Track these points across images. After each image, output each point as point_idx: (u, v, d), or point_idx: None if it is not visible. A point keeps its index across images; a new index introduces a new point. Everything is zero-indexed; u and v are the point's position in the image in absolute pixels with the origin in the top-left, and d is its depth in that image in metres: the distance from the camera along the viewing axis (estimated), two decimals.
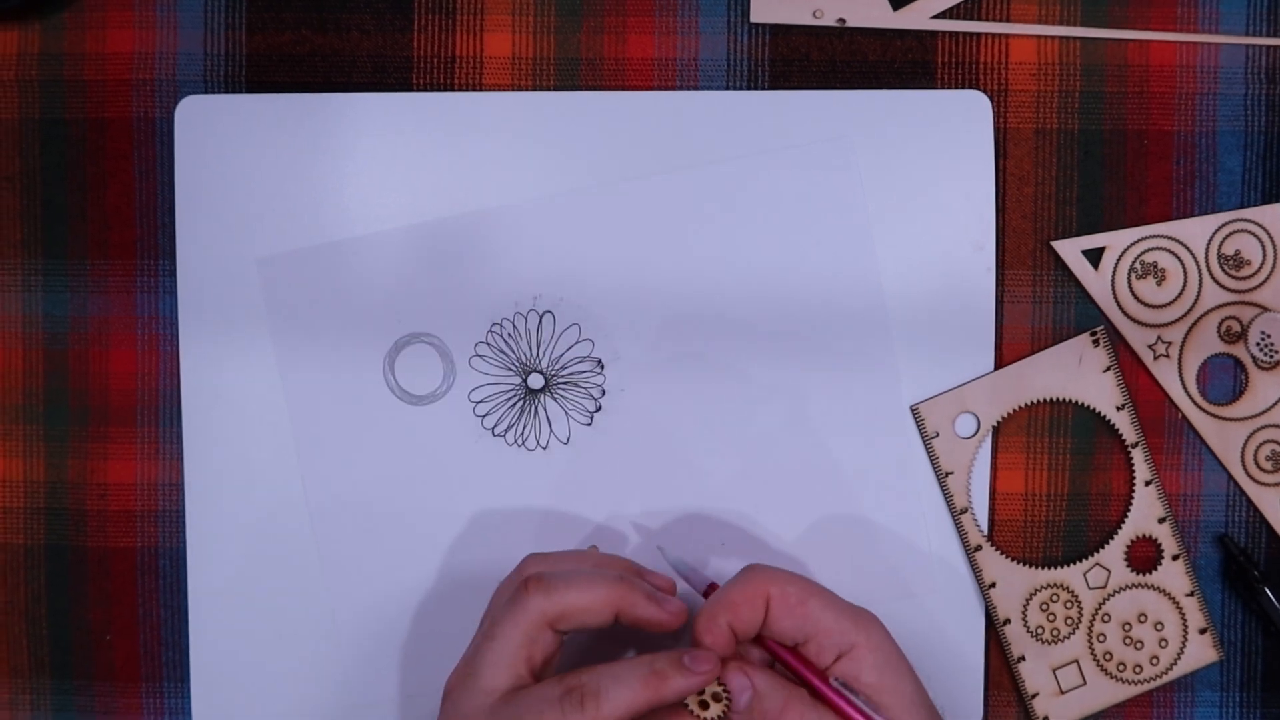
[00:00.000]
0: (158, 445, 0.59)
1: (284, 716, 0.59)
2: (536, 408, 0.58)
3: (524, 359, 0.58)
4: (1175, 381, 0.58)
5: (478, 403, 0.58)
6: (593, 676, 0.48)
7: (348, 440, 0.58)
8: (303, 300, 0.58)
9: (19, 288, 0.59)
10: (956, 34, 0.58)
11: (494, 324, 0.58)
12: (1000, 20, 0.58)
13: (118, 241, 0.59)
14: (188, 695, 0.59)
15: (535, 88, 0.58)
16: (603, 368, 0.58)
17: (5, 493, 0.59)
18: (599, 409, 0.58)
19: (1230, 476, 0.58)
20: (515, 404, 0.58)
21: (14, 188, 0.59)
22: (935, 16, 0.58)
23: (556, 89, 0.58)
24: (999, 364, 0.58)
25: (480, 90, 0.58)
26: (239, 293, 0.58)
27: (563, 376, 0.58)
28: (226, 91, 0.58)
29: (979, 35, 0.58)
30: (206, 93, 0.58)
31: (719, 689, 0.49)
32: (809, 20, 0.58)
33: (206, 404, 0.58)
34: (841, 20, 0.58)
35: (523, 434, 0.58)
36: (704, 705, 0.49)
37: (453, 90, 0.58)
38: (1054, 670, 0.58)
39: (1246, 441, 0.58)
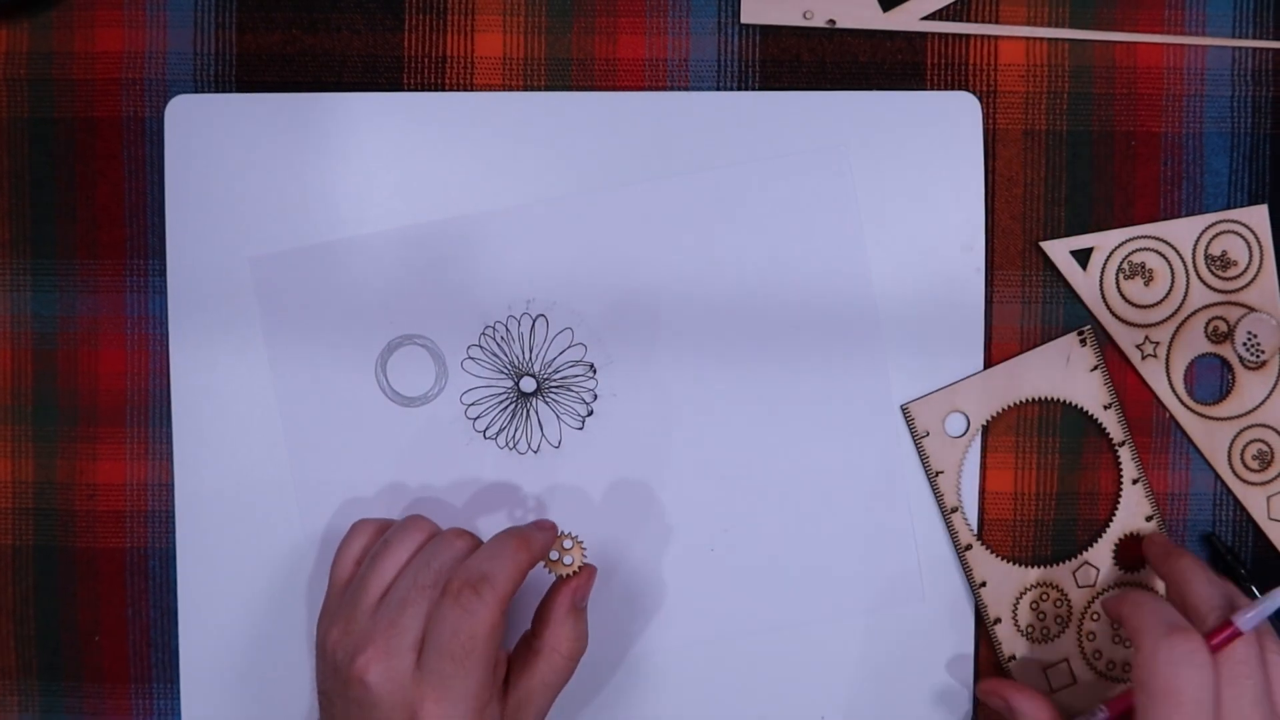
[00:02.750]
0: (147, 445, 0.59)
1: (273, 718, 0.58)
2: (528, 411, 0.58)
3: (516, 362, 0.58)
4: (1163, 381, 0.58)
5: (469, 405, 0.58)
6: (474, 565, 0.50)
7: (338, 441, 0.58)
8: (294, 300, 0.58)
9: (7, 287, 0.59)
10: (946, 35, 0.58)
11: (487, 327, 0.58)
12: (989, 22, 0.58)
13: (107, 241, 0.59)
14: (177, 696, 0.59)
15: (526, 88, 0.58)
16: (595, 372, 0.58)
17: None
18: (591, 413, 0.58)
19: (1217, 475, 0.58)
20: (507, 407, 0.58)
21: (3, 187, 0.59)
22: (925, 18, 0.58)
23: (547, 89, 0.58)
24: (988, 364, 0.58)
25: (471, 90, 0.58)
26: (229, 293, 0.58)
27: (555, 380, 0.58)
28: (216, 91, 0.58)
29: (968, 37, 0.58)
30: (196, 92, 0.58)
31: (568, 541, 0.53)
32: (799, 21, 0.58)
33: (196, 404, 0.58)
34: (832, 21, 0.58)
35: (514, 437, 0.58)
36: (561, 561, 0.53)
37: (443, 90, 0.58)
38: (1044, 669, 0.58)
39: (1233, 441, 0.58)
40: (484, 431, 0.58)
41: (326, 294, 0.58)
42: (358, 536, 0.55)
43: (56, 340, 0.59)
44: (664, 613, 0.58)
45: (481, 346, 0.58)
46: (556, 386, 0.58)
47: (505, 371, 0.58)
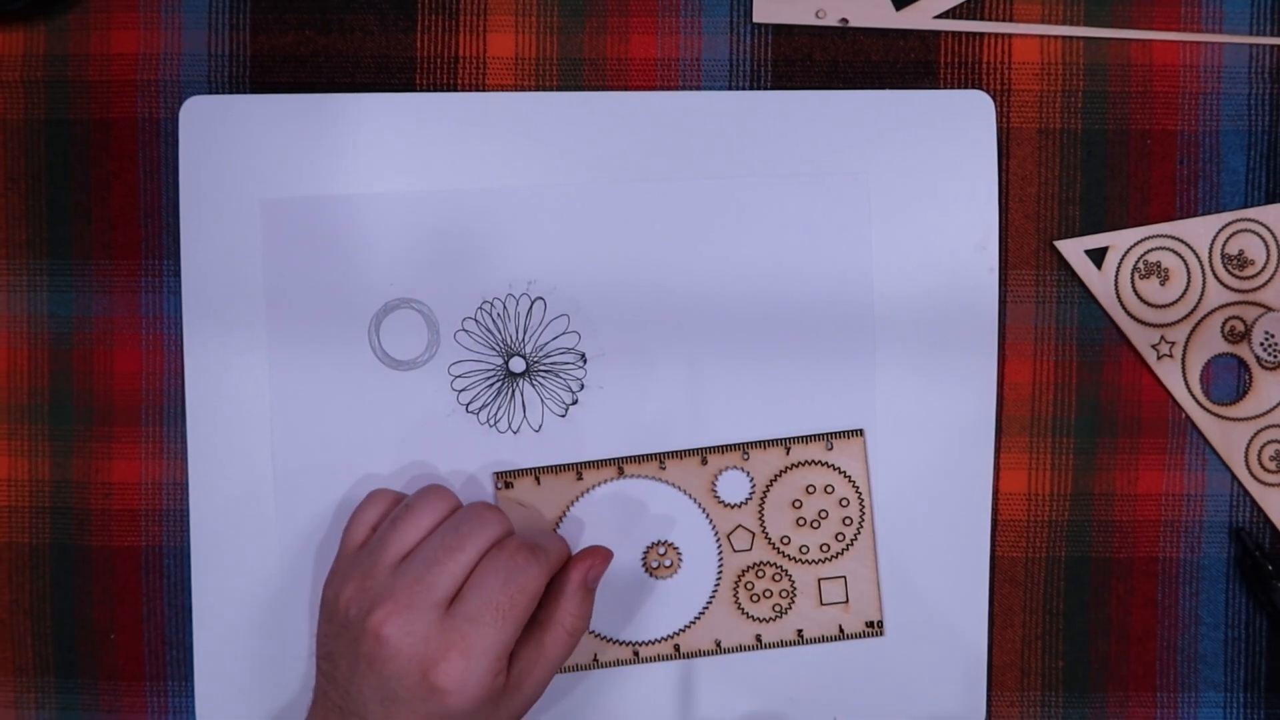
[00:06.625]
0: (162, 444, 0.59)
1: (288, 715, 0.59)
2: (514, 391, 0.58)
3: (509, 341, 0.58)
4: (1179, 381, 0.58)
5: (456, 376, 0.58)
6: (528, 537, 0.53)
7: (323, 394, 0.58)
8: (297, 254, 0.58)
9: (24, 288, 0.59)
10: (959, 34, 0.58)
11: (485, 301, 0.58)
12: (1003, 20, 0.58)
13: (122, 241, 0.59)
14: (191, 694, 0.59)
15: (538, 88, 0.58)
16: (585, 362, 0.58)
17: (10, 492, 0.60)
18: (575, 402, 0.58)
19: (1234, 476, 0.58)
20: (493, 384, 0.58)
21: (19, 188, 0.59)
22: (938, 16, 0.58)
23: (560, 89, 0.58)
24: (1001, 365, 0.58)
25: (484, 90, 0.58)
26: (243, 293, 0.58)
27: (544, 365, 0.58)
28: (231, 92, 0.59)
29: (982, 35, 0.58)
30: (211, 93, 0.58)
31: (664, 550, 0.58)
32: (812, 20, 0.58)
33: (210, 403, 0.58)
34: (844, 20, 0.58)
35: (495, 415, 0.58)
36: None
37: (456, 90, 0.58)
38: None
39: (1250, 441, 0.58)
40: (467, 405, 0.58)
41: (328, 250, 0.58)
42: (374, 504, 0.56)
43: (72, 340, 0.59)
44: (650, 615, 0.59)
45: (477, 320, 0.58)
46: (545, 371, 0.58)
47: (496, 349, 0.58)
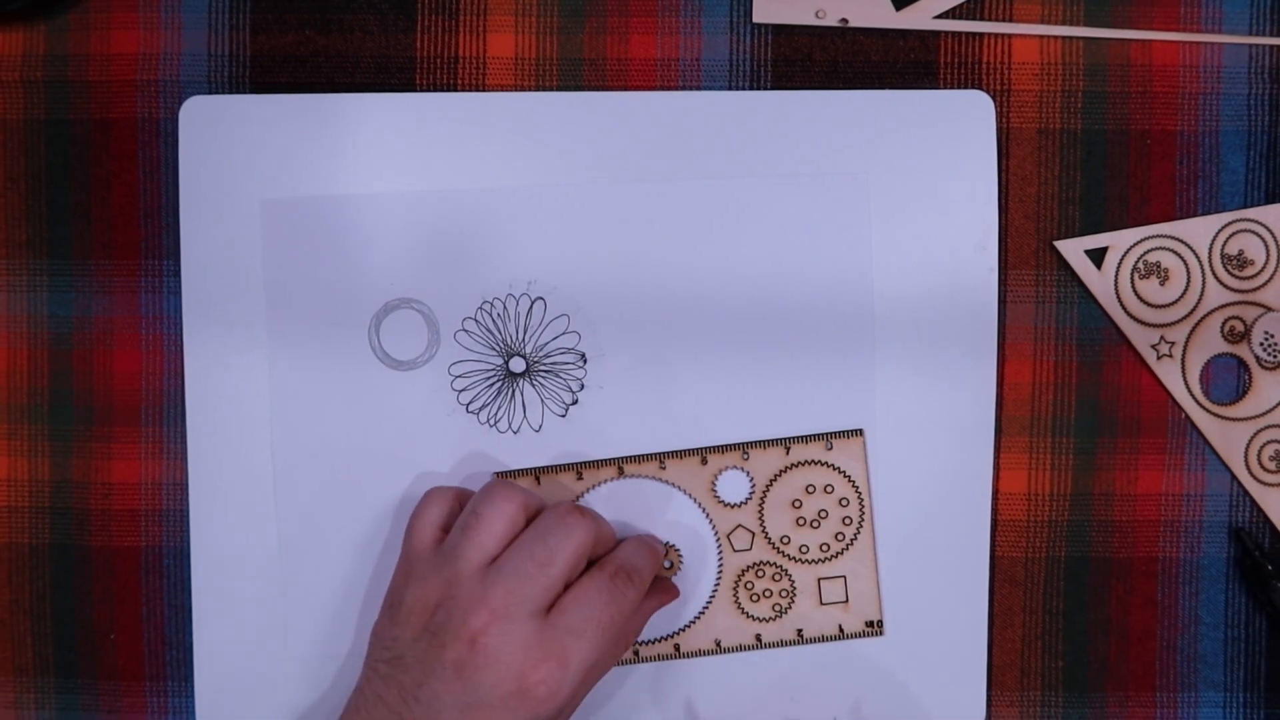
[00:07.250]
0: (161, 445, 0.59)
1: (288, 716, 0.59)
2: (514, 391, 0.58)
3: (509, 341, 0.58)
4: (1179, 381, 0.58)
5: (457, 376, 0.58)
6: (624, 556, 0.54)
7: (323, 394, 0.58)
8: (297, 253, 0.58)
9: (24, 288, 0.59)
10: (959, 34, 0.58)
11: (485, 301, 0.58)
12: (1003, 20, 0.58)
13: (122, 242, 0.59)
14: (191, 694, 0.59)
15: (538, 88, 0.58)
16: (585, 362, 0.58)
17: (10, 492, 0.60)
18: (575, 402, 0.58)
19: (1234, 476, 0.58)
20: (494, 384, 0.58)
21: (19, 188, 0.59)
22: (938, 16, 0.58)
23: (559, 89, 0.58)
24: (1001, 365, 0.58)
25: (483, 90, 0.58)
26: (243, 293, 0.58)
27: (545, 365, 0.58)
28: (230, 92, 0.59)
29: (982, 35, 0.58)
30: (211, 93, 0.58)
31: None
32: (811, 20, 0.58)
33: (210, 404, 0.58)
34: (844, 20, 0.58)
35: (496, 415, 0.58)
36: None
37: (456, 90, 0.58)
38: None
39: (1250, 441, 0.58)
40: (467, 405, 0.58)
41: (328, 250, 0.58)
42: (435, 503, 0.55)
43: (72, 340, 0.59)
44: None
45: (477, 320, 0.58)
46: (545, 371, 0.58)
47: (496, 349, 0.58)
